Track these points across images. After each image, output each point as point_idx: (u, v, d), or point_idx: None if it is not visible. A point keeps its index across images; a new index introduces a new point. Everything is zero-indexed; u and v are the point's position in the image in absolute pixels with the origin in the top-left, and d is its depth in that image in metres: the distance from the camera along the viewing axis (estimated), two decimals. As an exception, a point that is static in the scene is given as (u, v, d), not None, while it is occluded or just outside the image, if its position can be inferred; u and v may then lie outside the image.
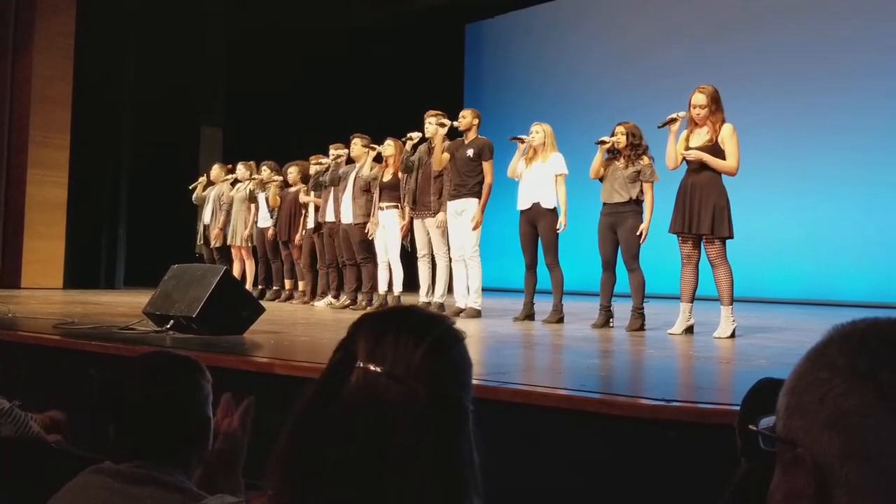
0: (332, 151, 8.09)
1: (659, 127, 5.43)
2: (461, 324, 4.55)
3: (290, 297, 8.63)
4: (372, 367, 0.85)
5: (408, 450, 0.82)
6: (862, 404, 0.62)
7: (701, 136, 5.12)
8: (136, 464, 1.49)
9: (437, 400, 0.86)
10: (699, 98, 5.08)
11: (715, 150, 5.00)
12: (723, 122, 5.05)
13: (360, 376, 0.86)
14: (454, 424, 0.87)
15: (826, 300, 9.43)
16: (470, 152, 6.53)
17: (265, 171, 8.99)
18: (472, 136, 6.64)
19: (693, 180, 5.06)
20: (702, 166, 5.04)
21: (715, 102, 5.04)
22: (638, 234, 5.57)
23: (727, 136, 5.00)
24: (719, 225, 4.93)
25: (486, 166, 6.52)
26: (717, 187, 4.99)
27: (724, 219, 4.93)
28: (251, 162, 9.40)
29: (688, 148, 5.12)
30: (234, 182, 9.43)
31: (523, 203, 6.22)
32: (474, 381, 2.92)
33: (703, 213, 4.96)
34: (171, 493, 1.42)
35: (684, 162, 5.14)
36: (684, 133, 5.21)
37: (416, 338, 0.88)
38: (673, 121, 5.27)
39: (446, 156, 6.63)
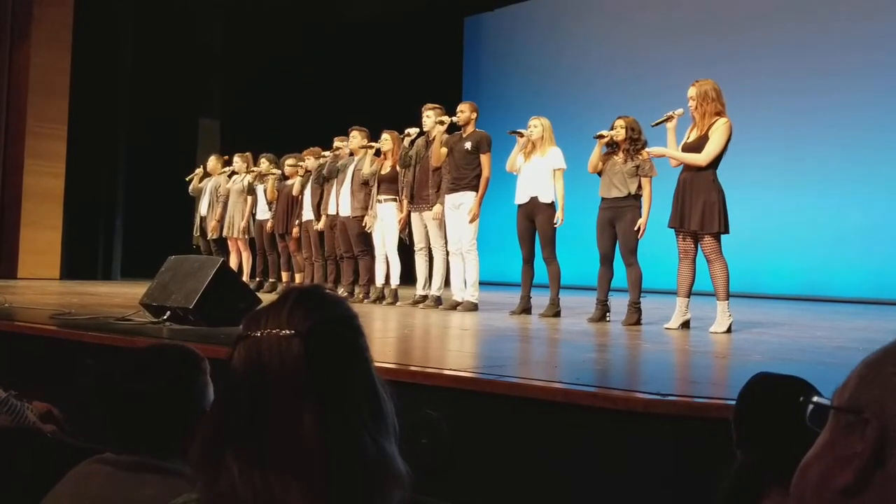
0: (337, 143, 8.09)
1: (653, 125, 5.44)
2: (458, 317, 4.54)
3: (287, 290, 8.62)
4: (247, 336, 0.91)
5: (293, 398, 0.87)
6: None
7: (696, 131, 5.13)
8: (137, 454, 1.51)
9: (315, 336, 0.90)
10: (690, 91, 5.10)
11: (703, 144, 4.99)
12: (717, 116, 5.04)
13: (240, 350, 0.91)
14: (340, 356, 0.92)
15: (822, 296, 9.45)
16: (468, 145, 6.53)
17: (263, 164, 8.98)
18: (469, 129, 6.63)
19: (686, 176, 5.06)
20: None
21: (704, 96, 5.03)
22: (636, 228, 5.57)
23: (714, 129, 4.98)
24: (709, 221, 4.92)
25: (484, 159, 6.51)
26: (707, 183, 4.96)
27: (714, 215, 4.91)
28: (248, 154, 9.40)
29: (686, 142, 5.13)
30: (232, 174, 9.43)
31: (521, 197, 6.22)
32: (470, 374, 2.90)
33: (694, 210, 4.95)
34: (173, 480, 1.44)
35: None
36: (689, 128, 5.21)
37: (283, 300, 0.94)
38: (669, 119, 5.27)
39: (444, 151, 6.62)
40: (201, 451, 0.90)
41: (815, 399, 0.74)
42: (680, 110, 5.25)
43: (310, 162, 8.34)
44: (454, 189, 6.56)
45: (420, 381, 2.75)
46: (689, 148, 5.08)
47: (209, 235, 9.37)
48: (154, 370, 1.63)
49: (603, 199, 5.74)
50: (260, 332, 0.90)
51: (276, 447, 0.85)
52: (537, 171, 6.16)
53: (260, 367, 0.88)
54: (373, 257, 7.49)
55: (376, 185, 7.39)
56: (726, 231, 4.97)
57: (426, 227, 6.92)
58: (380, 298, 7.31)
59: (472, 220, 6.46)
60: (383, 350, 3.60)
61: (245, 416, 0.87)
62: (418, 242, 7.05)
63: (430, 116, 6.80)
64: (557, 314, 6.03)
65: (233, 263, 8.99)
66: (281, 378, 0.87)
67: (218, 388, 0.95)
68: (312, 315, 0.91)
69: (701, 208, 4.93)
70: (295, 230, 8.50)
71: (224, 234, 9.29)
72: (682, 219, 5.02)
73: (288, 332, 0.89)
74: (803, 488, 0.70)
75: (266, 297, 5.63)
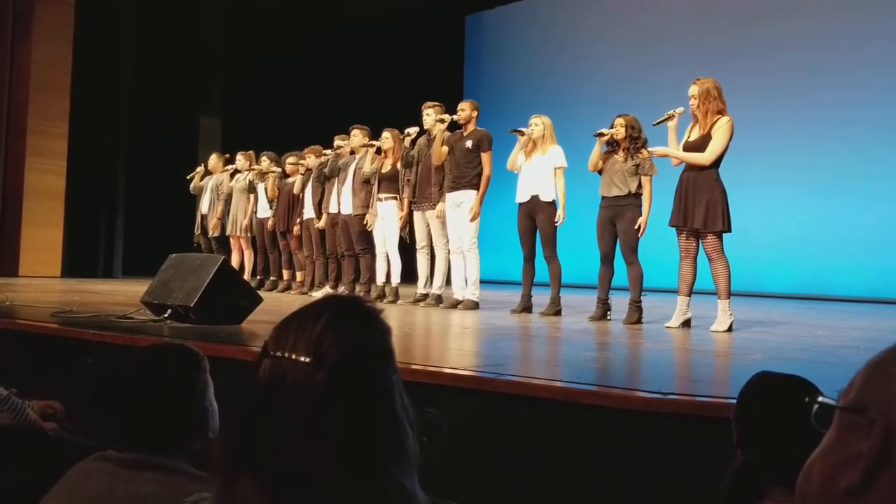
0: (338, 142, 8.09)
1: (654, 124, 5.43)
2: (459, 316, 4.52)
3: (287, 288, 8.65)
4: (274, 354, 0.90)
5: (306, 426, 0.86)
6: None
7: (698, 130, 5.12)
8: (139, 452, 1.52)
9: (342, 370, 0.88)
10: (692, 89, 5.09)
11: (706, 142, 4.98)
12: (719, 115, 5.04)
13: (266, 367, 0.90)
14: (365, 391, 0.90)
15: (823, 295, 9.45)
16: (468, 144, 6.53)
17: (264, 162, 8.99)
18: (470, 127, 6.63)
19: (689, 175, 5.06)
20: None
21: (707, 95, 5.02)
22: (637, 227, 5.57)
23: (716, 128, 4.97)
24: (712, 219, 4.92)
25: (485, 158, 6.51)
26: (710, 182, 4.96)
27: (717, 213, 4.91)
28: (250, 152, 9.40)
29: (688, 141, 5.13)
30: (234, 172, 9.43)
31: (522, 195, 6.21)
32: (471, 373, 2.89)
33: (697, 208, 4.95)
34: (173, 477, 1.46)
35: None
36: (689, 126, 5.21)
37: (316, 316, 0.91)
38: (670, 117, 5.26)
39: (445, 149, 6.62)
40: (221, 460, 0.90)
41: (821, 399, 0.74)
42: (681, 109, 5.25)
43: (311, 160, 8.35)
44: (455, 187, 6.55)
45: (421, 379, 2.75)
46: (690, 146, 5.08)
47: (210, 233, 9.37)
48: (155, 369, 1.65)
49: (603, 197, 5.73)
50: (286, 354, 0.89)
51: (289, 471, 0.85)
52: (538, 169, 6.16)
53: (282, 390, 0.88)
54: (374, 255, 7.49)
55: (377, 183, 7.39)
56: (729, 230, 4.97)
57: (428, 225, 6.93)
58: (380, 297, 7.31)
59: (472, 219, 6.46)
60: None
61: (263, 436, 0.87)
62: (420, 241, 7.05)
63: (430, 114, 6.80)
64: (558, 313, 6.02)
65: (234, 262, 9.00)
66: (300, 407, 0.87)
67: (240, 396, 0.95)
68: (342, 343, 0.89)
69: (704, 207, 4.93)
70: (296, 228, 8.51)
71: (227, 232, 9.29)
72: (684, 217, 5.02)
73: (314, 360, 0.88)
74: (808, 488, 0.70)
75: (267, 296, 5.64)
